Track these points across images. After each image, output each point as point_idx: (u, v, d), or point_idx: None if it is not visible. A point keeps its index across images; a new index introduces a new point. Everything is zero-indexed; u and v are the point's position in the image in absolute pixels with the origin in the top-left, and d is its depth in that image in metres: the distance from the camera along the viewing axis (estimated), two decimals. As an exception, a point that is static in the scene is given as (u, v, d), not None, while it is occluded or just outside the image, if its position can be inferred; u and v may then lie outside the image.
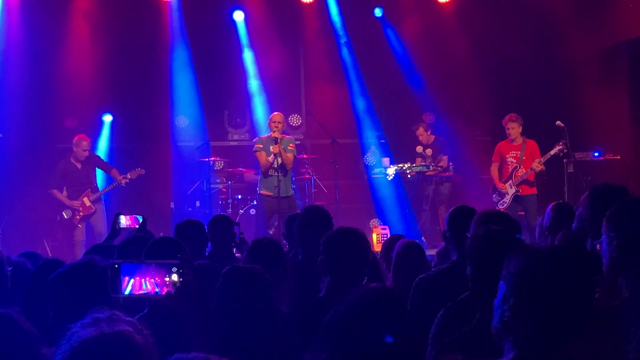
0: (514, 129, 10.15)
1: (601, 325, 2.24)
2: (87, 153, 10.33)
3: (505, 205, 10.16)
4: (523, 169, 10.09)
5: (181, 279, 3.09)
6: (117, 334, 2.03)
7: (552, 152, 9.96)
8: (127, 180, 10.27)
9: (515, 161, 10.18)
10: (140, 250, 4.17)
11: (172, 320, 3.03)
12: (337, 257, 3.73)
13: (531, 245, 2.57)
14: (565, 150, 9.95)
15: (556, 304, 2.03)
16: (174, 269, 3.09)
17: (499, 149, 10.42)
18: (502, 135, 10.50)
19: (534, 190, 10.14)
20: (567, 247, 2.52)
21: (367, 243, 3.88)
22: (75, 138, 10.39)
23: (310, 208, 5.23)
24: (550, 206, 5.37)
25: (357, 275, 3.73)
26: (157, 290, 3.10)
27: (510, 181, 10.16)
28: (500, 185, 10.26)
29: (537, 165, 9.97)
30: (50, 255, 9.84)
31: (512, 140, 10.25)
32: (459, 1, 12.31)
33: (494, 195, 10.39)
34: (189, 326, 3.01)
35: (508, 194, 10.18)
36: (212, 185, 11.42)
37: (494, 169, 10.43)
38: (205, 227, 5.58)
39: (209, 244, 5.73)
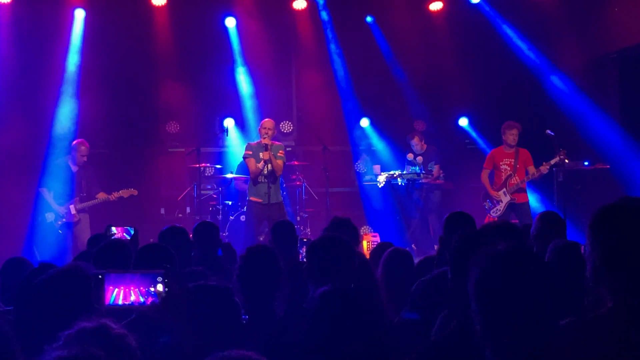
0: (515, 135, 10.09)
1: (588, 335, 2.24)
2: (85, 158, 10.32)
3: (499, 213, 10.11)
4: (517, 178, 10.05)
5: (166, 289, 3.05)
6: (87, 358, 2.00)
7: (552, 162, 9.82)
8: (117, 197, 10.24)
9: (509, 169, 10.11)
10: (119, 256, 4.17)
11: (158, 328, 3.00)
12: (321, 266, 3.69)
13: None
14: (566, 161, 9.89)
15: None
16: (159, 279, 3.05)
17: (492, 155, 10.35)
18: (492, 143, 10.51)
19: (527, 199, 10.12)
20: None
21: (351, 250, 3.85)
22: (75, 142, 10.40)
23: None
24: (537, 215, 5.40)
25: (342, 284, 3.69)
26: (141, 300, 3.06)
27: (504, 189, 10.11)
28: (493, 193, 10.21)
29: (539, 172, 9.87)
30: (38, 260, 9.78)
31: (506, 148, 10.21)
32: (450, 9, 12.34)
33: (485, 202, 10.33)
34: (176, 336, 2.97)
35: (502, 202, 10.12)
36: (202, 192, 11.38)
37: (486, 176, 10.37)
38: (190, 234, 5.58)
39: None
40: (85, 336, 2.15)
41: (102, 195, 10.28)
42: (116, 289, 3.06)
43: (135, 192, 10.38)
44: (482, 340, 2.28)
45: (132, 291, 3.06)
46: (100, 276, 3.06)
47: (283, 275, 3.94)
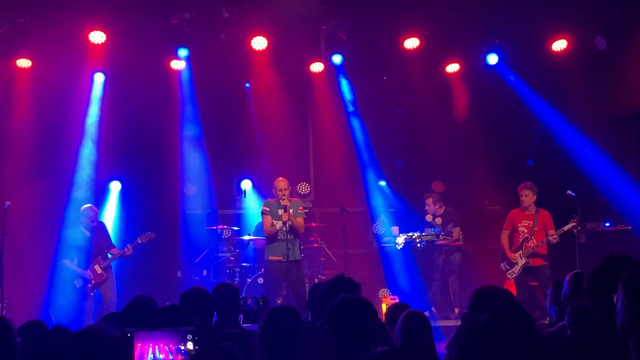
0: (527, 196, 9.99)
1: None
2: (94, 223, 10.23)
3: (514, 275, 9.98)
4: (534, 240, 9.92)
5: (196, 347, 2.96)
6: None
7: (565, 228, 9.81)
8: (132, 247, 10.12)
9: (526, 231, 10.01)
10: (143, 315, 4.09)
11: None
12: (343, 327, 3.62)
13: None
14: (578, 228, 9.82)
15: None
16: (189, 336, 2.98)
17: (511, 216, 10.24)
18: (511, 205, 10.42)
19: (544, 261, 9.95)
20: None
21: (373, 312, 3.77)
22: (82, 208, 10.32)
23: (337, 278, 5.11)
24: (568, 276, 5.27)
25: (363, 345, 3.61)
26: (171, 357, 2.98)
27: (520, 251, 9.98)
28: (510, 255, 10.08)
29: (553, 237, 9.82)
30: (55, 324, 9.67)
31: (525, 209, 10.09)
32: (467, 71, 12.31)
33: (502, 264, 10.18)
34: None
35: (517, 264, 9.98)
36: (219, 254, 11.31)
37: (505, 237, 10.23)
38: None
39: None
40: None
41: (115, 251, 10.20)
42: (145, 347, 2.98)
43: (153, 235, 10.24)
44: None
45: (160, 349, 2.97)
46: (129, 334, 2.97)
47: (306, 336, 3.85)
